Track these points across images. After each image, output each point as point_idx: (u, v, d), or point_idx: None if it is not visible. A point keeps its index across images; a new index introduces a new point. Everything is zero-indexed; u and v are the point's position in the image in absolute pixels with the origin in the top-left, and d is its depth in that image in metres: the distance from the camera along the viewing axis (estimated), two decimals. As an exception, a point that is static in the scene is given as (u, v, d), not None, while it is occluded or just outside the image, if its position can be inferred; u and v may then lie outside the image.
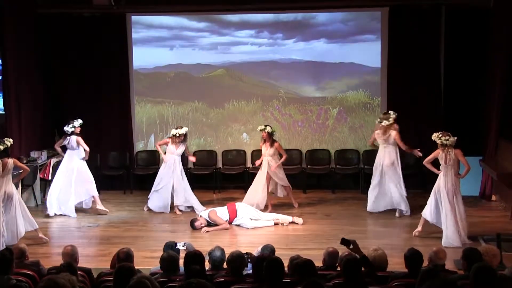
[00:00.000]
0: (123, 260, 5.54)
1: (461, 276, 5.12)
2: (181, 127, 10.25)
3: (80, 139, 10.09)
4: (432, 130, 11.19)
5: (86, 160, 10.24)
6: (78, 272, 5.37)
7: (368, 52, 11.62)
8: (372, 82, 11.76)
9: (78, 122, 10.10)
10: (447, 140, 8.42)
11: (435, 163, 8.83)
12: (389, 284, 5.21)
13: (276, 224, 9.45)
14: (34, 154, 10.95)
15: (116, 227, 9.58)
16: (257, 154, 11.86)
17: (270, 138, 10.20)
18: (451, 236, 8.26)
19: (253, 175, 11.62)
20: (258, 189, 10.19)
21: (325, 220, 9.75)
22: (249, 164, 11.96)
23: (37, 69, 11.42)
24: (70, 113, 11.66)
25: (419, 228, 8.71)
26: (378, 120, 9.85)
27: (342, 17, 11.73)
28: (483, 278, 4.39)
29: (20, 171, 8.90)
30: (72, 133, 10.06)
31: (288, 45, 11.82)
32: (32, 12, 11.28)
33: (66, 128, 10.06)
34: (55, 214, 10.06)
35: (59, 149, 10.43)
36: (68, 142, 10.11)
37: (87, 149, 10.14)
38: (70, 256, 5.85)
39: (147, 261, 7.37)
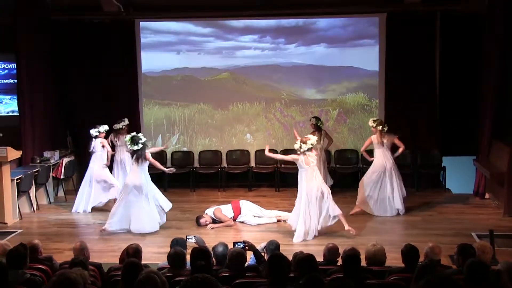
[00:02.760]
0: (132, 255, 5.59)
1: (455, 271, 5.20)
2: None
3: (105, 141, 10.47)
4: (428, 131, 11.51)
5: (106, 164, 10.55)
6: (89, 267, 5.44)
7: (367, 56, 11.78)
8: (371, 84, 11.91)
9: (103, 128, 10.42)
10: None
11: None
12: (387, 278, 5.26)
13: (278, 221, 9.59)
14: (47, 154, 11.14)
15: (126, 223, 9.73)
16: (260, 154, 12.06)
17: (315, 127, 10.69)
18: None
19: (257, 175, 11.92)
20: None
21: (325, 217, 9.88)
22: (252, 164, 12.13)
23: (50, 73, 11.59)
24: (81, 115, 12.02)
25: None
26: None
27: (341, 23, 11.88)
28: (476, 272, 4.41)
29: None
30: (97, 137, 10.33)
31: (290, 50, 11.97)
32: (45, 18, 11.46)
33: (91, 131, 10.34)
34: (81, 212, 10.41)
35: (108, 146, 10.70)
36: (93, 145, 10.38)
37: (110, 151, 10.51)
38: (80, 251, 6.00)
39: (155, 257, 7.48)
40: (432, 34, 11.51)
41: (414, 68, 11.53)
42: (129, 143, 9.17)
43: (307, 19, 11.93)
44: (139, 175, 9.19)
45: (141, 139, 9.14)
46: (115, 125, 11.10)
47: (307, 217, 8.60)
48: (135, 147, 9.15)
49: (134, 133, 9.32)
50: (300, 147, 8.64)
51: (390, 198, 9.76)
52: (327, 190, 8.72)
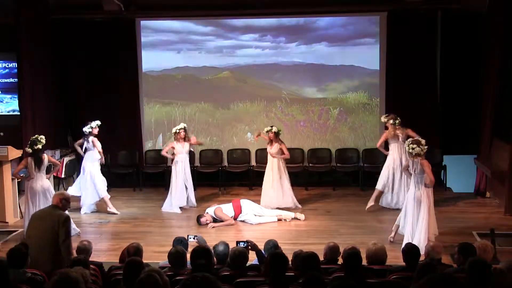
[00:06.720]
0: (133, 254, 5.59)
1: (456, 270, 5.22)
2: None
3: (95, 140, 10.12)
4: (429, 130, 11.47)
5: (100, 161, 10.34)
6: (90, 266, 5.45)
7: (367, 55, 11.79)
8: (371, 83, 11.93)
9: (95, 123, 10.15)
10: (413, 149, 7.74)
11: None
12: (387, 277, 5.29)
13: (279, 220, 9.63)
14: (48, 153, 10.86)
15: (126, 223, 9.76)
16: (261, 153, 12.03)
17: (276, 137, 10.27)
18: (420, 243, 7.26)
19: (258, 173, 11.80)
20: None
21: (326, 216, 9.91)
22: (253, 163, 12.15)
23: (50, 72, 11.55)
24: (82, 114, 11.97)
25: (393, 234, 8.31)
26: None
27: (342, 22, 11.90)
28: (478, 271, 4.41)
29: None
30: (90, 133, 10.10)
31: (291, 49, 11.99)
32: (47, 17, 11.44)
33: (84, 129, 10.13)
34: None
35: (78, 148, 10.43)
36: (87, 142, 10.18)
37: (100, 150, 10.12)
38: (87, 250, 6.05)
39: (156, 256, 7.48)
40: (433, 33, 11.53)
41: (415, 67, 11.54)
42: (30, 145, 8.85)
43: (307, 18, 11.95)
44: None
45: (39, 141, 8.84)
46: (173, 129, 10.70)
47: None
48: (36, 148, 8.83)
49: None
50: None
51: (398, 192, 9.93)
52: None
